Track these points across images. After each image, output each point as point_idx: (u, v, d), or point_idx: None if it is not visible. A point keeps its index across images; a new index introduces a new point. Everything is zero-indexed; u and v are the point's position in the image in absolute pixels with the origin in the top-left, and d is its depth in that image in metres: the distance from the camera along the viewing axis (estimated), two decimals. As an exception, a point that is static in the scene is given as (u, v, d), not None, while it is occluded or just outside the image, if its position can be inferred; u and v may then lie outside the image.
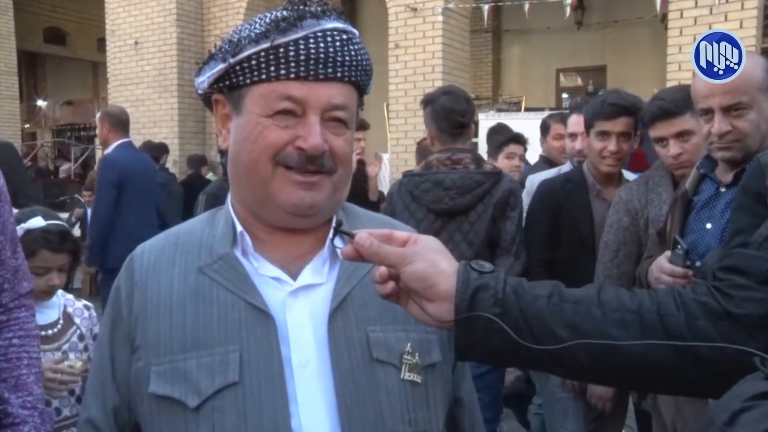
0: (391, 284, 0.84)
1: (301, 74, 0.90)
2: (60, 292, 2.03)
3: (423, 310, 0.84)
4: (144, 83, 9.70)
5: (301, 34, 0.90)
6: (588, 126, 2.57)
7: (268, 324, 0.90)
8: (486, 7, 8.21)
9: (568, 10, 7.52)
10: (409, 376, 0.91)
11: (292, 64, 0.90)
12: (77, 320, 2.03)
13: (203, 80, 0.99)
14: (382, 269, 0.84)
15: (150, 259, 0.98)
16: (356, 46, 0.95)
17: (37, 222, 1.91)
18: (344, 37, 0.93)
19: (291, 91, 0.90)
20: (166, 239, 1.02)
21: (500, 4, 8.77)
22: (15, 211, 1.97)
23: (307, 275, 0.95)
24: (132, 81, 9.81)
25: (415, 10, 7.93)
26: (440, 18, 7.81)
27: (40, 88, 19.85)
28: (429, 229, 2.55)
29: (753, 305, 0.79)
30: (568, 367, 0.83)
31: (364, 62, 0.96)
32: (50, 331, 1.94)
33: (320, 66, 0.90)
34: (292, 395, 0.87)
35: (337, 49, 0.91)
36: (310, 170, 0.91)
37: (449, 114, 2.68)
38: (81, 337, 2.00)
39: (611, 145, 2.48)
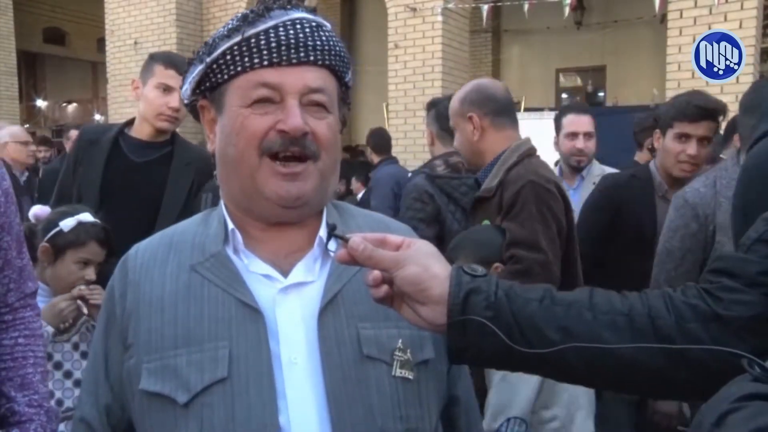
0: (384, 288, 0.85)
1: (274, 60, 0.92)
2: None
3: (416, 314, 0.84)
4: (143, 83, 9.71)
5: (270, 23, 0.93)
6: (665, 126, 2.48)
7: (257, 320, 0.90)
8: (485, 7, 8.21)
9: (567, 10, 7.52)
10: (401, 373, 0.92)
11: (264, 52, 0.92)
12: (86, 310, 2.03)
13: (186, 88, 1.01)
14: (376, 273, 0.84)
15: (144, 258, 1.00)
16: (327, 34, 0.97)
17: (88, 217, 2.00)
18: (313, 24, 0.96)
19: (265, 77, 0.92)
20: (161, 239, 1.03)
21: (500, 4, 8.77)
22: (49, 211, 2.04)
23: (298, 273, 0.95)
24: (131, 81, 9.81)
25: (414, 10, 7.93)
26: (440, 18, 7.81)
27: (40, 88, 19.83)
28: (463, 228, 2.74)
29: (742, 307, 0.79)
30: (559, 370, 0.84)
31: (338, 48, 0.98)
32: (62, 325, 1.95)
33: (292, 51, 0.93)
34: (281, 391, 0.88)
35: (307, 34, 0.94)
36: (295, 154, 0.93)
37: None
38: (89, 329, 2.01)
39: (690, 148, 2.39)
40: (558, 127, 3.28)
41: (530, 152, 2.19)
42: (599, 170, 3.20)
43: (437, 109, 2.88)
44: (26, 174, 4.94)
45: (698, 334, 0.79)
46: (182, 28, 9.52)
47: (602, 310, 0.82)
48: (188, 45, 9.50)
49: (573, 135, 3.17)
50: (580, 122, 3.18)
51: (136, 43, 9.74)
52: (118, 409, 0.98)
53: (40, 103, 19.01)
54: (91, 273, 1.97)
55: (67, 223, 1.95)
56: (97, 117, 16.60)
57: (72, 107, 19.43)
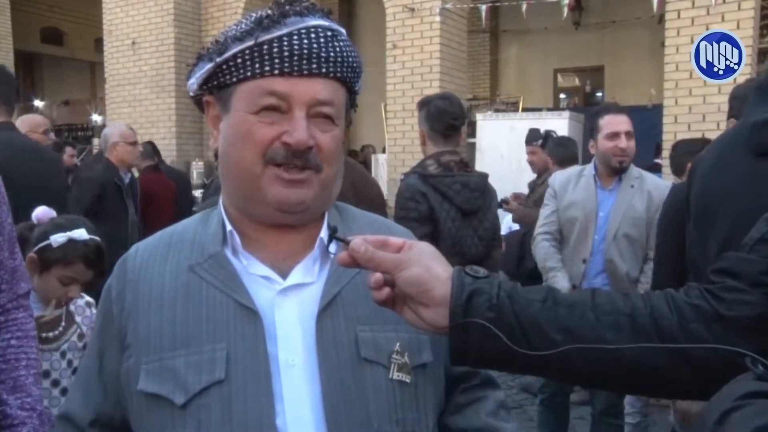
0: (386, 290, 0.84)
1: (285, 70, 0.91)
2: None
3: (418, 316, 0.84)
4: (141, 83, 9.69)
5: (284, 30, 0.92)
6: None
7: (255, 322, 0.90)
8: (484, 8, 8.21)
9: (565, 10, 7.52)
10: (398, 376, 0.92)
11: (276, 61, 0.91)
12: (78, 318, 2.03)
13: (193, 82, 1.00)
14: (377, 275, 0.84)
15: (143, 257, 1.00)
16: (342, 43, 0.96)
17: (82, 234, 1.93)
18: (329, 33, 0.94)
19: (275, 86, 0.91)
20: (161, 238, 1.03)
21: (498, 4, 8.77)
22: (54, 215, 1.99)
23: (297, 274, 0.95)
24: (129, 81, 9.80)
25: (412, 10, 7.92)
26: (438, 18, 7.81)
27: (38, 88, 19.80)
28: (458, 227, 2.81)
29: (744, 308, 0.79)
30: (562, 372, 0.84)
31: (350, 59, 0.97)
32: (51, 333, 1.93)
33: (304, 61, 0.91)
34: (279, 393, 0.88)
35: (321, 45, 0.93)
36: (298, 166, 0.92)
37: (442, 115, 2.85)
38: (80, 337, 1.99)
39: None
40: (595, 128, 3.18)
41: None
42: (637, 172, 3.14)
43: (428, 109, 2.88)
44: (129, 175, 4.67)
45: (701, 334, 0.79)
46: (180, 28, 9.50)
47: (605, 310, 0.82)
48: (186, 45, 9.49)
49: (614, 135, 3.06)
50: (619, 122, 3.09)
51: (134, 43, 9.72)
52: (109, 407, 0.98)
53: (38, 103, 18.95)
54: (74, 291, 1.93)
55: (57, 239, 1.89)
56: (95, 117, 16.56)
57: (70, 107, 19.37)
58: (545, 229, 3.29)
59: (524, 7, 8.02)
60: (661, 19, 8.03)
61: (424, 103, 2.93)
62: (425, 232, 2.67)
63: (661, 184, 3.16)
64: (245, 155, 0.93)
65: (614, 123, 3.08)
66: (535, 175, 4.97)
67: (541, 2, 7.89)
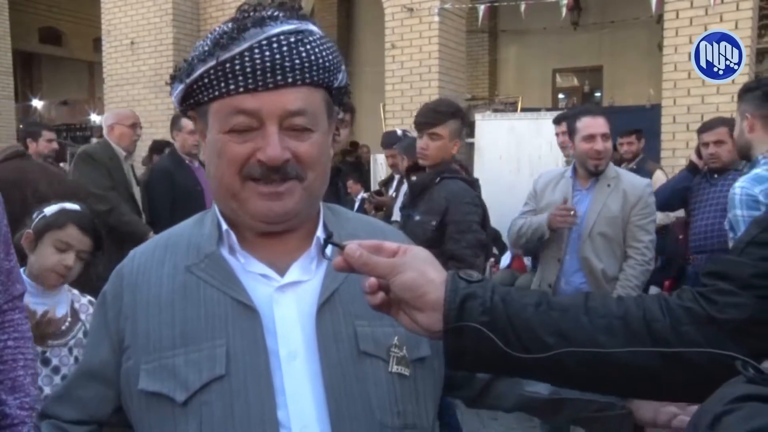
0: (380, 295, 0.85)
1: (250, 86, 0.89)
2: (66, 286, 2.04)
3: (413, 320, 0.84)
4: (140, 83, 9.69)
5: (244, 45, 0.89)
6: None
7: (253, 319, 0.91)
8: (482, 8, 8.22)
9: (564, 10, 7.53)
10: (397, 369, 0.93)
11: (240, 78, 0.89)
12: (83, 316, 2.05)
13: (174, 100, 1.01)
14: (372, 280, 0.85)
15: (141, 261, 1.01)
16: (309, 45, 0.91)
17: (74, 206, 2.01)
18: (292, 39, 0.90)
19: (243, 104, 0.90)
20: (157, 242, 1.04)
21: (496, 4, 8.78)
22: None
23: (294, 272, 0.96)
24: (128, 81, 9.79)
25: (411, 10, 7.92)
26: (437, 18, 7.81)
27: (36, 88, 19.77)
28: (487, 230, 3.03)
29: (735, 310, 0.80)
30: (556, 375, 0.84)
31: (321, 59, 0.92)
32: (62, 328, 1.95)
33: (268, 74, 0.89)
34: (280, 387, 0.89)
35: (285, 54, 0.90)
36: (277, 180, 0.92)
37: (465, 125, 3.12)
38: (86, 334, 2.00)
39: None
40: (572, 130, 3.24)
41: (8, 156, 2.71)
42: (614, 172, 3.19)
43: (465, 120, 2.99)
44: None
45: (693, 337, 0.80)
46: (179, 28, 9.50)
47: (598, 313, 0.82)
48: (185, 45, 9.48)
49: (590, 137, 3.10)
50: (596, 124, 3.12)
51: (132, 43, 9.72)
52: (93, 408, 0.99)
53: (36, 103, 18.93)
54: (69, 259, 1.91)
55: (50, 209, 1.95)
56: (94, 117, 16.54)
57: (68, 107, 19.36)
58: (519, 215, 3.37)
59: (523, 7, 8.02)
60: (659, 19, 8.03)
61: (453, 114, 2.99)
62: (484, 236, 2.81)
63: (637, 182, 3.20)
64: (222, 173, 0.94)
65: (591, 126, 3.11)
66: (398, 176, 5.18)
67: (539, 2, 7.89)
